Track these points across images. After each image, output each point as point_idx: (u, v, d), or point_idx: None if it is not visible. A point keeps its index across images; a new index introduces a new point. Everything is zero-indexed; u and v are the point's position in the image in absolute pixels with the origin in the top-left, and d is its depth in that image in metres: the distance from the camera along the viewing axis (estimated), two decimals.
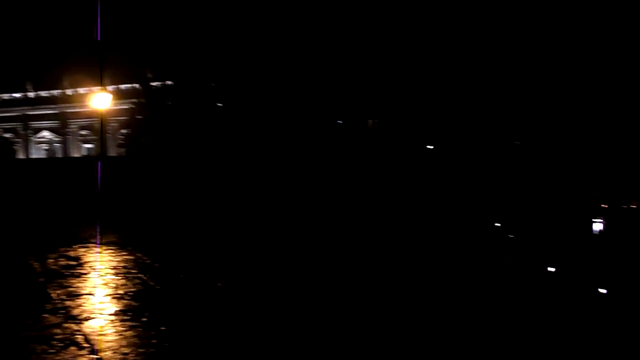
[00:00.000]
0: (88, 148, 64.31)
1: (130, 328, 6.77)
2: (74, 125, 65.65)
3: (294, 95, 35.07)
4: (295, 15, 36.80)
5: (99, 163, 20.99)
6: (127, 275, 9.92)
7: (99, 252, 12.50)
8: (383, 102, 37.12)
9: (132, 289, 8.82)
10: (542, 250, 24.45)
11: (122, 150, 44.73)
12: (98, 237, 14.60)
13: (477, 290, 10.98)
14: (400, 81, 36.57)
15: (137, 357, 5.80)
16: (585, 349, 8.28)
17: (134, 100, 45.52)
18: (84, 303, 7.94)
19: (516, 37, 36.27)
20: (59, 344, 6.13)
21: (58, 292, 8.58)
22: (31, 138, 67.73)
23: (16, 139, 65.88)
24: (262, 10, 37.47)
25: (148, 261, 11.41)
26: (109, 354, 5.88)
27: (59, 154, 65.14)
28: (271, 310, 7.95)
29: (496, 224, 27.87)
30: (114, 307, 7.78)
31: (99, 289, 8.90)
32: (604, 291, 22.56)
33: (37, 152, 66.25)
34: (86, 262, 11.27)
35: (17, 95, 67.16)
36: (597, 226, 32.06)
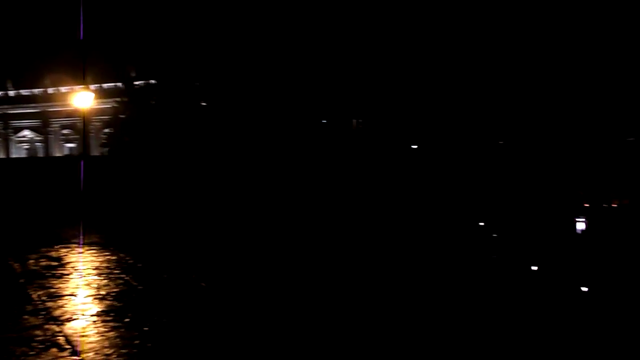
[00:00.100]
0: (70, 147, 63.61)
1: (113, 329, 6.69)
2: (55, 124, 64.87)
3: (278, 94, 34.99)
4: (279, 15, 36.73)
5: (82, 162, 20.76)
6: (110, 275, 9.81)
7: (81, 253, 12.34)
8: (367, 102, 37.18)
9: (115, 290, 8.72)
10: (526, 249, 24.64)
11: (105, 149, 44.28)
12: (80, 237, 14.42)
13: (461, 289, 11.02)
14: (385, 81, 36.66)
15: (119, 358, 5.73)
16: (568, 346, 8.34)
17: (117, 99, 45.10)
18: (65, 304, 7.83)
19: (500, 40, 36.53)
20: (40, 346, 6.03)
21: (39, 293, 8.45)
22: (12, 137, 66.81)
23: None
24: (246, 10, 37.35)
25: (131, 261, 11.30)
26: (90, 355, 5.80)
27: (41, 154, 64.34)
28: (254, 309, 7.91)
29: (480, 223, 28.04)
30: (96, 307, 7.68)
31: (81, 289, 8.79)
32: (585, 289, 22.81)
33: (18, 152, 65.39)
34: (68, 262, 11.13)
35: None
36: (580, 225, 32.40)
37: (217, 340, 6.53)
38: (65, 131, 64.44)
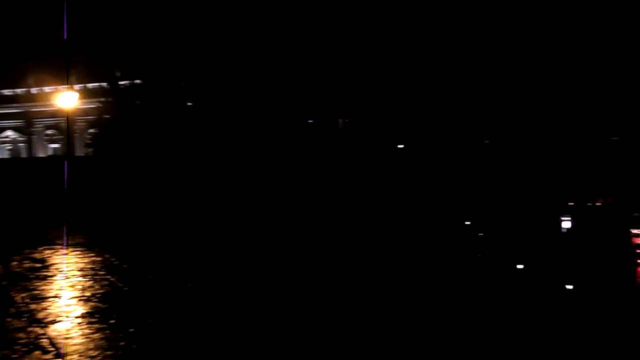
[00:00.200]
0: (54, 148, 62.95)
1: (98, 330, 6.61)
2: (39, 124, 64.17)
3: (264, 94, 34.91)
4: (265, 14, 36.64)
5: (66, 163, 20.56)
6: (95, 277, 9.71)
7: (66, 254, 12.21)
8: (354, 102, 37.22)
9: (100, 291, 8.64)
10: (511, 248, 24.81)
11: (90, 150, 43.89)
12: (65, 238, 14.28)
13: (446, 287, 11.06)
14: (371, 81, 36.71)
15: None
16: (552, 343, 8.40)
17: (101, 99, 44.71)
18: (49, 306, 7.73)
19: (485, 40, 36.75)
20: (23, 349, 5.95)
21: (22, 295, 8.34)
22: None
23: None
24: (232, 10, 37.22)
25: (116, 262, 11.21)
26: (75, 357, 5.73)
27: (24, 154, 63.61)
28: (240, 310, 7.87)
29: (466, 222, 28.18)
30: (80, 309, 7.59)
31: (65, 291, 8.69)
32: (570, 287, 23.01)
33: (1, 153, 64.60)
34: (52, 264, 11.00)
35: None
36: (565, 223, 32.69)
37: (203, 340, 6.48)
38: (49, 131, 63.75)
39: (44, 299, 8.13)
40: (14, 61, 57.95)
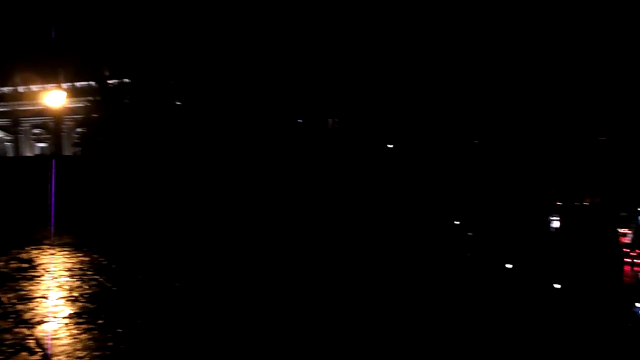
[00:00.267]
0: (42, 147, 62.47)
1: (86, 331, 6.56)
2: (26, 123, 63.64)
3: (253, 94, 34.85)
4: (254, 13, 36.57)
5: (53, 162, 20.38)
6: (83, 277, 9.63)
7: (53, 254, 12.10)
8: (344, 102, 37.24)
9: (88, 291, 8.56)
10: (500, 247, 24.97)
11: (78, 149, 43.58)
12: (52, 238, 14.15)
13: (435, 286, 11.09)
14: (361, 81, 36.75)
15: None
16: (539, 341, 8.44)
17: (90, 98, 44.39)
18: (36, 306, 7.65)
19: (474, 40, 36.90)
20: (9, 350, 5.88)
21: (9, 295, 8.24)
22: None
23: None
24: (221, 9, 37.11)
25: (105, 262, 11.12)
26: (62, 358, 5.67)
27: (10, 153, 63.06)
28: (229, 310, 7.84)
29: (455, 222, 28.29)
30: (68, 309, 7.52)
31: (53, 291, 8.60)
32: (558, 286, 23.18)
33: None
34: (39, 264, 10.89)
35: None
36: (553, 223, 32.94)
37: (192, 340, 6.45)
38: (36, 130, 63.26)
39: (31, 299, 8.05)
40: (1, 59, 57.42)
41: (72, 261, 11.15)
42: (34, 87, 58.66)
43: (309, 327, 7.19)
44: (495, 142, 36.19)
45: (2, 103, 63.54)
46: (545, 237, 31.61)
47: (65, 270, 10.18)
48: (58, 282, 9.24)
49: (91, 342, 6.15)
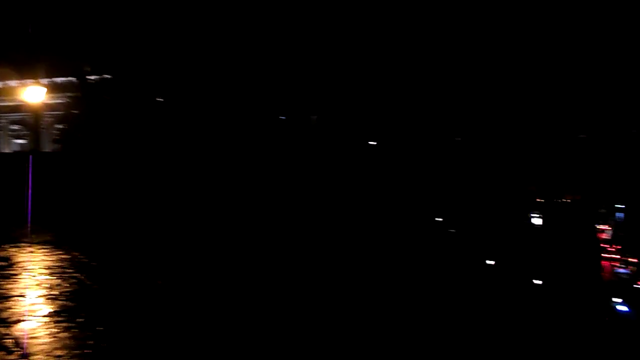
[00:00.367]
0: (20, 144, 61.54)
1: (65, 329, 6.46)
2: (4, 119, 62.66)
3: (235, 90, 34.68)
4: (236, 8, 36.38)
5: (31, 159, 20.08)
6: (62, 275, 9.49)
7: (32, 252, 11.92)
8: (326, 98, 37.23)
9: (68, 289, 8.45)
10: (482, 244, 25.15)
11: (57, 146, 43.03)
12: (31, 236, 13.94)
13: (417, 283, 11.13)
14: (344, 77, 36.77)
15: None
16: (519, 337, 8.51)
17: (69, 94, 43.84)
18: (14, 305, 7.52)
19: (454, 37, 37.10)
20: None
21: None
22: None
23: None
24: (203, 3, 36.86)
25: (85, 260, 10.98)
26: (40, 357, 5.58)
27: None
28: (211, 307, 7.79)
29: (437, 219, 28.44)
30: (47, 308, 7.41)
31: (31, 290, 8.47)
32: (539, 282, 23.43)
33: None
34: (17, 262, 10.72)
35: None
36: (534, 220, 33.28)
37: (174, 338, 6.39)
38: (14, 127, 62.30)
39: (9, 298, 7.92)
40: None
41: (52, 259, 10.99)
42: (12, 83, 57.76)
43: (292, 325, 7.17)
44: (476, 139, 36.45)
45: None
46: (526, 234, 31.93)
47: (44, 269, 10.03)
48: (37, 280, 9.10)
49: (70, 340, 6.07)
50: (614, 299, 30.64)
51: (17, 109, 56.40)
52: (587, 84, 36.41)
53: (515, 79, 36.51)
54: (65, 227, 16.44)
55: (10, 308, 7.34)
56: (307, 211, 20.46)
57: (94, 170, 22.46)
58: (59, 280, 9.02)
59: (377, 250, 14.87)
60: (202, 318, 7.25)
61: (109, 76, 40.82)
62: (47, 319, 6.88)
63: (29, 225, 15.38)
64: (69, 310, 7.28)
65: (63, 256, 11.27)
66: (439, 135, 36.42)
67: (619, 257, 38.26)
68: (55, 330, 6.43)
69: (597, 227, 38.25)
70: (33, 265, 10.38)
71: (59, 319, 6.88)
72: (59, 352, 5.70)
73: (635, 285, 35.01)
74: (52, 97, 44.03)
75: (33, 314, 7.10)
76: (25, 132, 60.18)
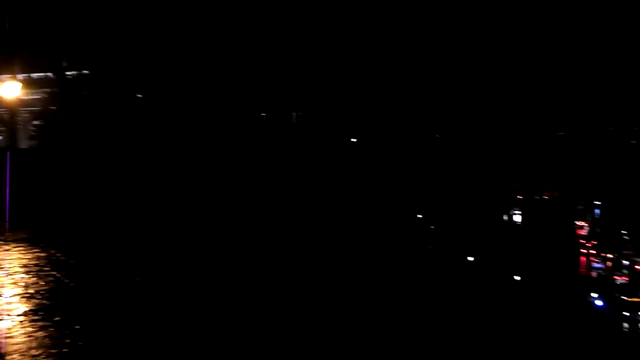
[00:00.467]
0: None
1: (41, 328, 6.36)
2: None
3: (216, 86, 34.46)
4: (217, 3, 36.14)
5: (8, 155, 19.74)
6: (39, 273, 9.35)
7: (8, 250, 11.71)
8: (308, 95, 37.17)
9: (44, 288, 8.32)
10: (462, 240, 25.32)
11: (34, 142, 42.38)
12: (7, 233, 13.70)
13: (398, 279, 11.16)
14: (325, 74, 36.74)
15: (48, 359, 5.45)
16: (499, 330, 8.58)
17: (47, 90, 43.18)
18: None
19: (436, 36, 37.27)
20: None
21: None
22: None
23: None
24: None
25: (62, 258, 10.83)
26: (16, 357, 5.48)
27: None
28: (189, 304, 7.73)
29: (418, 216, 28.57)
30: (23, 307, 7.28)
31: (7, 288, 8.32)
32: (518, 278, 23.67)
33: None
34: None
35: None
36: (514, 216, 33.60)
37: (152, 336, 6.33)
38: None
39: None
40: None
41: (28, 257, 10.82)
42: None
43: (272, 318, 7.15)
44: (457, 137, 36.67)
45: None
46: (506, 230, 32.23)
47: (21, 267, 9.87)
48: (13, 278, 8.95)
49: (47, 339, 5.97)
50: (591, 294, 31.11)
51: None
52: (566, 84, 36.84)
53: (495, 78, 36.80)
54: (42, 224, 16.20)
55: None
56: (288, 207, 20.42)
57: (73, 167, 22.17)
58: (36, 279, 8.88)
59: (359, 246, 14.89)
60: (180, 315, 7.19)
61: (87, 72, 40.30)
62: (22, 318, 6.76)
63: (5, 222, 15.12)
64: (46, 308, 7.17)
65: (40, 254, 11.10)
66: (420, 132, 36.57)
67: (595, 252, 38.82)
68: (31, 329, 6.33)
69: (575, 223, 38.76)
70: (9, 263, 10.21)
71: (35, 317, 6.77)
72: (34, 352, 5.61)
73: (611, 280, 35.59)
74: (29, 93, 43.34)
75: (8, 313, 6.98)
76: (1, 128, 59.24)
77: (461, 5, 37.03)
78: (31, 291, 8.09)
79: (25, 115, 52.83)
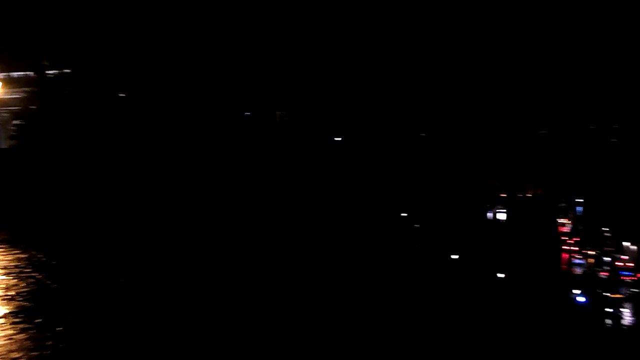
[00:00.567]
0: None
1: (22, 331, 6.25)
2: None
3: (199, 85, 34.26)
4: (200, 2, 35.94)
5: None
6: (20, 274, 9.20)
7: None
8: (291, 94, 37.11)
9: (25, 289, 8.19)
10: (447, 239, 25.42)
11: (14, 142, 41.78)
12: None
13: (383, 277, 11.18)
14: (309, 73, 36.71)
15: None
16: (482, 328, 8.62)
17: (26, 89, 42.58)
18: None
19: (415, 35, 37.42)
20: None
21: None
22: None
23: None
24: None
25: (44, 259, 10.68)
26: None
27: None
28: (172, 304, 7.67)
29: (402, 214, 28.66)
30: (3, 309, 7.16)
31: None
32: (502, 275, 23.84)
33: None
34: None
35: None
36: (497, 214, 33.84)
37: (134, 337, 6.25)
38: None
39: None
40: None
41: (8, 258, 10.64)
42: None
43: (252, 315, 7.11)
44: (441, 135, 36.85)
45: None
46: (490, 228, 32.45)
47: (1, 268, 9.71)
48: None
49: (28, 342, 5.87)
50: (573, 291, 31.42)
51: None
52: (547, 82, 37.19)
53: (478, 77, 37.04)
54: (23, 224, 15.97)
55: None
56: (273, 205, 20.37)
57: (53, 167, 21.90)
58: (16, 280, 8.74)
59: (342, 244, 14.90)
60: (163, 315, 7.12)
61: (68, 70, 39.81)
62: (3, 321, 6.64)
63: None
64: (27, 310, 7.06)
65: (20, 255, 10.93)
66: (404, 131, 36.69)
67: (577, 249, 39.27)
68: (12, 331, 6.21)
69: (558, 220, 39.16)
70: None
71: (16, 320, 6.66)
72: (15, 355, 5.51)
73: (593, 277, 36.01)
74: (9, 92, 42.73)
75: None
76: None
77: (440, 6, 37.22)
78: (12, 293, 7.95)
79: (5, 114, 52.15)
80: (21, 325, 6.43)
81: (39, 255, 10.90)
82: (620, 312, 31.08)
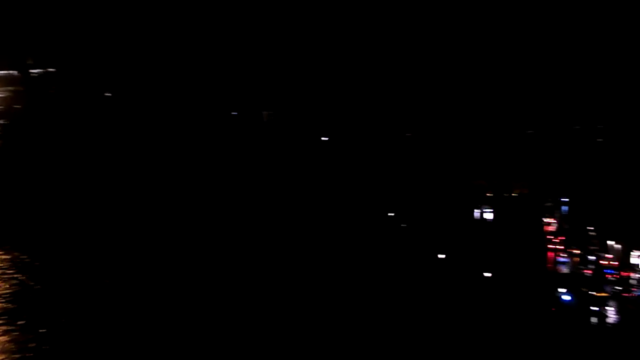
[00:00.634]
0: None
1: (5, 333, 6.18)
2: None
3: (187, 85, 34.09)
4: (188, 3, 35.77)
5: None
6: (3, 276, 9.11)
7: None
8: (279, 94, 37.02)
9: (8, 291, 8.10)
10: (434, 238, 25.49)
11: None
12: None
13: (370, 276, 11.20)
14: (296, 73, 36.63)
15: None
16: (469, 326, 8.67)
17: (10, 88, 42.10)
18: None
19: (408, 36, 37.46)
20: None
21: None
22: None
23: None
24: None
25: (27, 260, 10.58)
26: None
27: None
28: (157, 304, 7.61)
29: (389, 214, 28.71)
30: None
31: None
32: (489, 274, 23.97)
33: None
34: None
35: None
36: (484, 213, 33.96)
37: (119, 337, 6.20)
38: None
39: None
40: None
41: None
42: None
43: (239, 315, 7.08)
44: (428, 135, 36.89)
45: None
46: (476, 227, 32.58)
47: None
48: None
49: (11, 344, 5.81)
50: (559, 289, 31.60)
51: None
52: (533, 83, 37.36)
53: (464, 76, 37.13)
54: (7, 225, 15.79)
55: None
56: (259, 204, 20.31)
57: (38, 167, 21.69)
58: None
59: (331, 243, 14.90)
60: (147, 317, 7.07)
61: (53, 70, 39.45)
62: None
63: None
64: (9, 312, 6.98)
65: (4, 256, 10.81)
66: (391, 131, 36.70)
67: (563, 248, 39.47)
68: None
69: (543, 219, 39.37)
70: None
71: None
72: None
73: (579, 275, 36.23)
74: None
75: None
76: None
77: (425, 8, 37.31)
78: None
79: None
80: (4, 327, 6.36)
81: (22, 257, 10.79)
82: (605, 310, 31.33)
